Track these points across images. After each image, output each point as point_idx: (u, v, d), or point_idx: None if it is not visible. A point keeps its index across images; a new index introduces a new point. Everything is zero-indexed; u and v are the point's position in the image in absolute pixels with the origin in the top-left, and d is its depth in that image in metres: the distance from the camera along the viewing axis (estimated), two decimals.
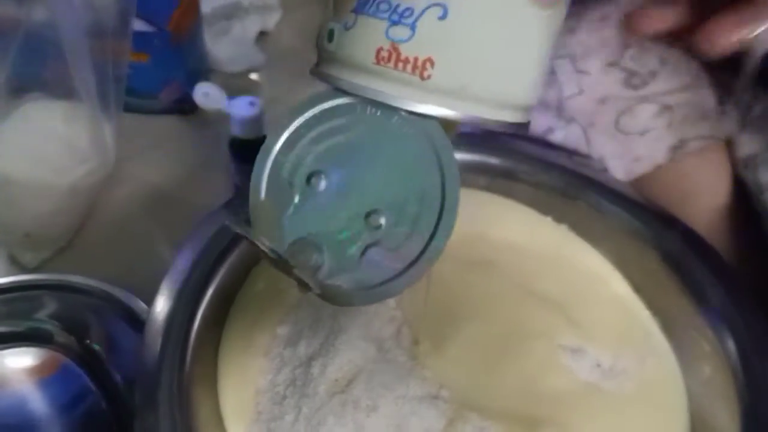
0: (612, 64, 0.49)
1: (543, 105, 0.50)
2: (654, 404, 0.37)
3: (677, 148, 0.48)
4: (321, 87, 0.24)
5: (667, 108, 0.48)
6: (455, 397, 0.35)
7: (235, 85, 0.68)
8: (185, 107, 0.64)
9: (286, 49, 0.77)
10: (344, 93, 0.23)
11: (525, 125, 0.24)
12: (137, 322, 0.42)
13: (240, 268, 0.41)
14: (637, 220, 0.43)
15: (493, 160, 0.46)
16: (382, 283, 0.23)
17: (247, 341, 0.38)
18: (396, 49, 0.21)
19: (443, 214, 0.22)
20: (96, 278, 0.45)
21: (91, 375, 0.41)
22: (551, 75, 0.49)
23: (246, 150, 0.53)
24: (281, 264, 0.24)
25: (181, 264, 0.38)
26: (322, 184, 0.24)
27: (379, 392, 0.34)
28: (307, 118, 0.24)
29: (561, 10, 0.22)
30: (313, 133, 0.24)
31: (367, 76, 0.21)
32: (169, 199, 0.57)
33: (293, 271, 0.23)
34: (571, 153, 0.50)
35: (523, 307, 0.40)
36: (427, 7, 0.20)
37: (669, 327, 0.41)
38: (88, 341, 0.41)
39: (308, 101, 0.24)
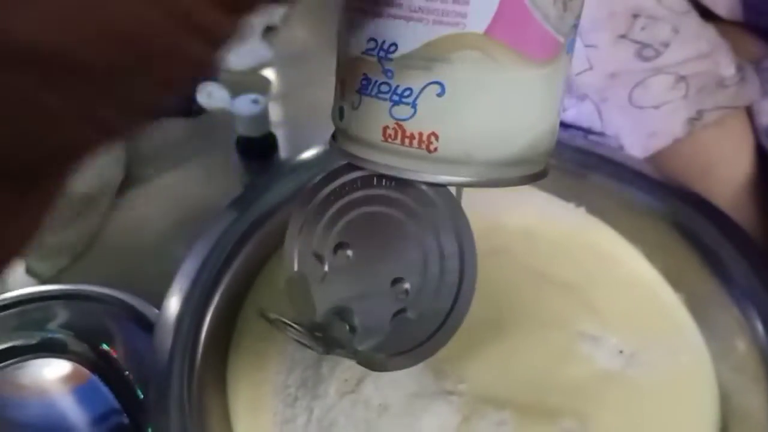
0: (622, 36, 0.47)
1: None
2: (681, 389, 0.36)
3: (695, 120, 0.46)
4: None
5: (682, 79, 0.46)
6: (471, 391, 0.34)
7: (244, 83, 0.67)
8: (193, 108, 0.63)
9: (294, 43, 0.76)
10: (360, 168, 0.24)
11: (543, 173, 0.25)
12: (150, 327, 0.41)
13: (249, 269, 0.40)
14: (656, 199, 0.42)
15: None
16: (413, 348, 0.24)
17: (256, 343, 0.37)
18: (401, 127, 0.21)
19: (464, 275, 0.23)
20: (108, 285, 0.44)
21: (108, 383, 0.40)
22: None
23: (252, 148, 0.52)
24: (315, 338, 0.25)
25: (190, 266, 0.38)
26: (349, 254, 0.25)
27: (390, 390, 0.33)
28: (330, 191, 0.25)
29: (562, 62, 0.22)
30: (336, 207, 0.25)
31: (377, 152, 0.22)
32: (180, 200, 0.57)
33: (328, 340, 0.25)
34: (586, 131, 0.48)
35: (541, 294, 0.39)
36: (426, 86, 0.21)
37: (695, 308, 0.39)
38: (102, 348, 0.41)
39: (328, 175, 0.25)
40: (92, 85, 0.14)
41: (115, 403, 0.40)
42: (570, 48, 0.23)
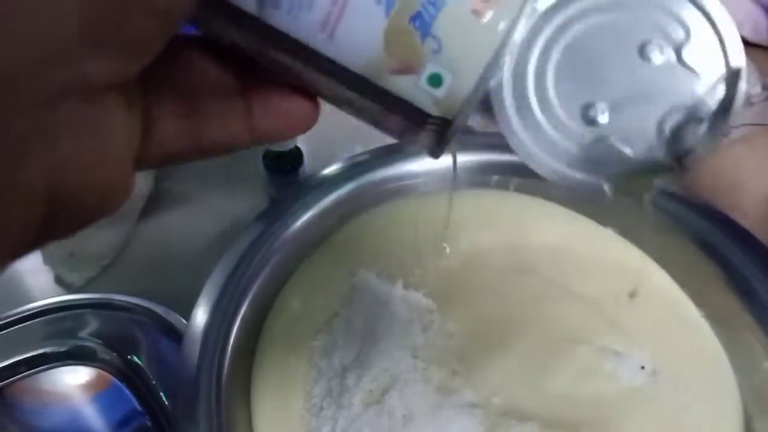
0: None
1: None
2: (704, 406, 0.36)
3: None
4: None
5: None
6: (496, 403, 0.34)
7: None
8: None
9: None
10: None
11: None
12: (178, 337, 0.42)
13: (275, 281, 0.41)
14: (681, 218, 0.42)
15: None
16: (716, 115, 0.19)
17: (281, 353, 0.38)
18: None
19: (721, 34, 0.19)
20: (137, 295, 0.45)
21: (134, 391, 0.41)
22: None
23: (279, 162, 0.53)
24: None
25: (218, 278, 0.38)
26: (602, 107, 0.19)
27: (415, 402, 0.33)
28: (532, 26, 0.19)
29: None
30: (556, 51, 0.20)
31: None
32: (206, 213, 0.58)
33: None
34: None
35: (567, 310, 0.39)
36: None
37: (719, 327, 0.39)
38: (130, 357, 0.42)
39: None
40: None
41: (137, 406, 0.41)
42: None
